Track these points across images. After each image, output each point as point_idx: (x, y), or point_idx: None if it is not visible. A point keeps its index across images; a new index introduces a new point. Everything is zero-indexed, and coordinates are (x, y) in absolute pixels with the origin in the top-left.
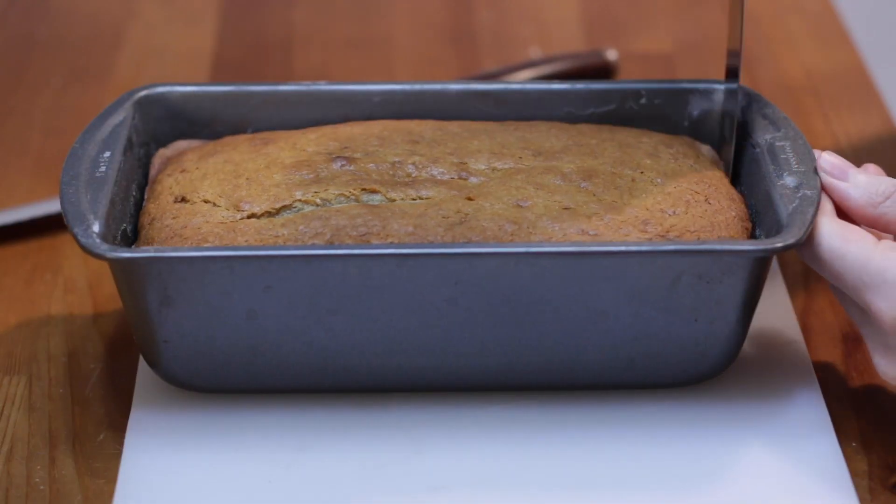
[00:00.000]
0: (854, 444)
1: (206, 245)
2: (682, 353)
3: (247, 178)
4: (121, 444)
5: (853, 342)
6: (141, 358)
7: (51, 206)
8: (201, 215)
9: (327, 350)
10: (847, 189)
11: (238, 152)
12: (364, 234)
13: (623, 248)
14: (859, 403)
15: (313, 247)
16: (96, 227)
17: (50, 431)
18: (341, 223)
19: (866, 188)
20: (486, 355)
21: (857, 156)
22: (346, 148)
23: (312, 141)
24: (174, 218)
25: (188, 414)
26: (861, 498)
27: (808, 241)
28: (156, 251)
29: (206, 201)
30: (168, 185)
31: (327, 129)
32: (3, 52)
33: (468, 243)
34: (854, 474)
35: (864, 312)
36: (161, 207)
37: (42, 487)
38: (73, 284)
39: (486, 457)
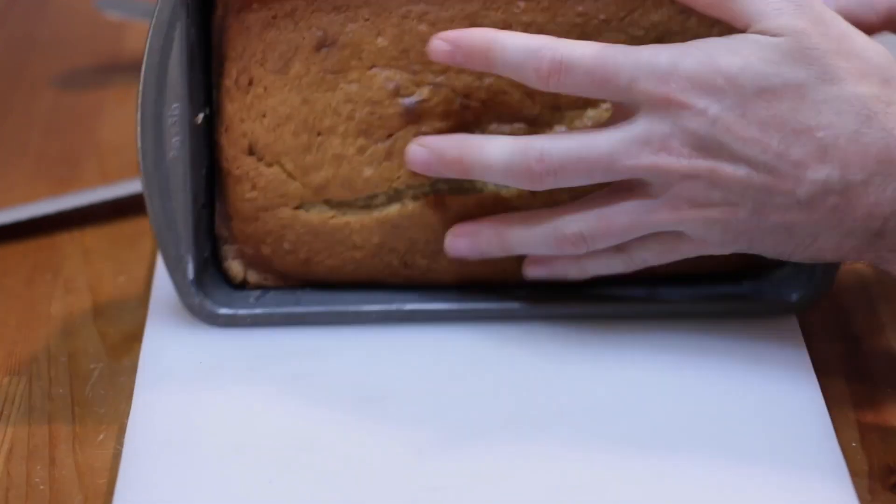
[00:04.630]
0: (854, 444)
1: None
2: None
3: (318, 134)
4: (121, 444)
5: (853, 342)
6: (141, 357)
7: (51, 206)
8: (279, 195)
9: None
10: None
11: (309, 77)
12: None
13: None
14: (859, 403)
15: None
16: (190, 271)
17: (50, 431)
18: (415, 236)
19: None
20: None
21: None
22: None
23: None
24: (253, 188)
25: (188, 414)
26: (861, 498)
27: None
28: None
29: (278, 164)
30: (238, 120)
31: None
32: (3, 52)
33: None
34: (854, 474)
35: None
36: (238, 159)
37: (42, 487)
38: (73, 284)
39: (485, 456)
